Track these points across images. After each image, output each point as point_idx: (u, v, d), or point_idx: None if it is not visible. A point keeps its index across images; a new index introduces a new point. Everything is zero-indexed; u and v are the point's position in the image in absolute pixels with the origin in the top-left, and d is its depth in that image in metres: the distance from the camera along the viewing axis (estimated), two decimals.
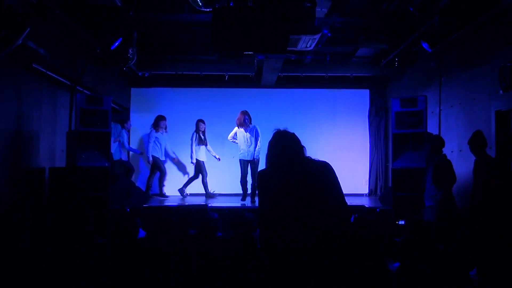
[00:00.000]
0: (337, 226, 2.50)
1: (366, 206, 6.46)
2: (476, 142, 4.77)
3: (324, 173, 2.58)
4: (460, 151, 6.10)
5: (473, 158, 5.00)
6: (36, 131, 5.32)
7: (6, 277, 4.27)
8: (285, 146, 2.64)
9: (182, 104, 9.11)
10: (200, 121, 8.15)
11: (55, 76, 5.57)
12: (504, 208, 4.30)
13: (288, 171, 2.57)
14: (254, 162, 7.43)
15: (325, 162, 2.63)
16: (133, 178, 8.35)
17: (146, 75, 8.51)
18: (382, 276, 3.12)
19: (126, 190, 6.61)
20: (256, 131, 7.48)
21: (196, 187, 8.26)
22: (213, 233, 4.03)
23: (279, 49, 5.20)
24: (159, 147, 8.06)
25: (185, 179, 8.58)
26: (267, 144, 2.77)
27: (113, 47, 5.82)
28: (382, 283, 3.09)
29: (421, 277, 3.18)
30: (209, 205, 6.76)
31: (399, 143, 5.98)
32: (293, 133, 2.74)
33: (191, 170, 8.56)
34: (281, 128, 2.77)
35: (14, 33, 3.80)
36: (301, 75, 8.66)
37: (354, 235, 2.78)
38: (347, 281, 2.58)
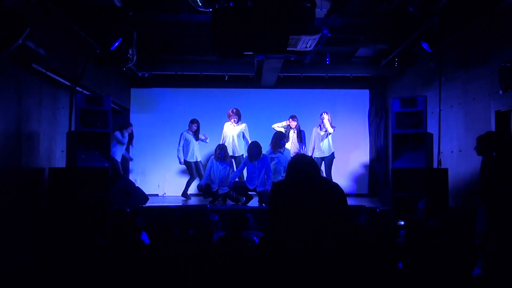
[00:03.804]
0: (340, 235, 2.82)
1: (366, 206, 6.46)
2: (488, 143, 4.69)
3: (335, 192, 2.93)
4: (460, 151, 6.10)
5: (472, 158, 5.00)
6: (36, 131, 5.31)
7: (6, 277, 4.27)
8: (306, 165, 2.98)
9: (182, 104, 9.11)
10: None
11: (55, 76, 5.57)
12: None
13: (307, 186, 2.90)
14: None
15: (337, 184, 3.01)
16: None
17: (146, 75, 8.50)
18: (390, 277, 3.14)
19: (125, 191, 6.60)
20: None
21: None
22: (210, 234, 4.04)
23: (279, 49, 5.22)
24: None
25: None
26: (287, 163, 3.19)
27: (113, 48, 5.82)
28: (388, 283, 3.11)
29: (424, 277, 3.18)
30: (209, 206, 6.76)
31: (399, 143, 5.97)
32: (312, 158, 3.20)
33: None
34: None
35: (14, 33, 3.80)
36: (301, 75, 8.65)
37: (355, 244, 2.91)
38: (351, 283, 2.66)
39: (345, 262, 2.70)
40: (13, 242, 4.60)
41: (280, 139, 7.43)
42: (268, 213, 2.99)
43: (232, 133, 7.89)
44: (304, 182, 2.90)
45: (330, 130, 7.83)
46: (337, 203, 2.88)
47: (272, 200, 2.98)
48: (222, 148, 7.41)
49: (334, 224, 2.81)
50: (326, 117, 7.86)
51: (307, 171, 2.94)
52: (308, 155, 3.26)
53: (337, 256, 2.69)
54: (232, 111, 7.89)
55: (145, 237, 4.75)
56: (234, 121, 7.90)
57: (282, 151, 7.41)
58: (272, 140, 7.48)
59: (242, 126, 7.97)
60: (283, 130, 7.94)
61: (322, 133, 7.89)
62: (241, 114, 8.01)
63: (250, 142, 7.32)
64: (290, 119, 7.96)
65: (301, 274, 2.67)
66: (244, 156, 7.83)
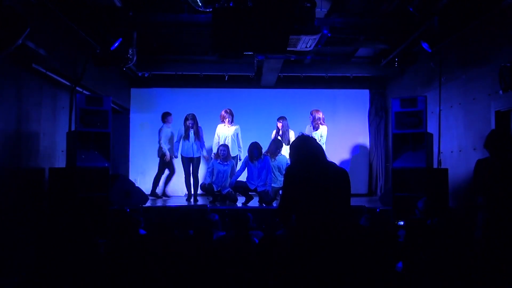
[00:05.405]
0: (345, 220, 2.90)
1: (366, 206, 6.45)
2: (496, 141, 4.65)
3: (343, 176, 3.00)
4: (460, 151, 6.10)
5: (472, 158, 4.99)
6: (36, 131, 5.31)
7: (7, 277, 4.28)
8: (314, 148, 3.05)
9: (182, 104, 9.10)
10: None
11: (55, 76, 5.57)
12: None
13: (316, 169, 2.95)
14: None
15: (344, 169, 3.07)
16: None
17: (146, 75, 8.50)
18: (386, 277, 3.14)
19: (125, 191, 6.60)
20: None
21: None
22: (210, 234, 4.04)
23: (279, 49, 5.22)
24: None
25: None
26: (291, 144, 3.18)
27: (113, 48, 5.82)
28: (385, 283, 3.12)
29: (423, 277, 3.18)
30: (209, 206, 6.76)
31: (399, 143, 5.97)
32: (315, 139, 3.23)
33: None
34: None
35: (14, 33, 3.80)
36: (301, 75, 8.65)
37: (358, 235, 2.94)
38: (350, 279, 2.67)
39: (348, 256, 2.72)
40: (13, 242, 4.60)
41: (278, 148, 7.44)
42: (281, 198, 3.04)
43: (227, 135, 7.78)
44: (315, 164, 2.96)
45: (324, 130, 7.61)
46: (345, 188, 2.94)
47: (287, 184, 3.00)
48: (224, 145, 7.40)
49: (343, 209, 2.87)
50: (318, 115, 7.62)
51: (315, 152, 3.00)
52: (311, 136, 3.32)
53: (343, 245, 2.74)
54: (226, 112, 7.78)
55: None
56: (228, 121, 7.79)
57: (277, 157, 7.46)
58: (270, 147, 7.46)
59: (236, 127, 7.89)
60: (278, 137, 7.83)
61: (313, 131, 7.63)
62: (234, 115, 7.90)
63: (250, 143, 7.29)
64: (277, 121, 7.86)
65: (302, 274, 2.66)
66: (238, 157, 7.83)
